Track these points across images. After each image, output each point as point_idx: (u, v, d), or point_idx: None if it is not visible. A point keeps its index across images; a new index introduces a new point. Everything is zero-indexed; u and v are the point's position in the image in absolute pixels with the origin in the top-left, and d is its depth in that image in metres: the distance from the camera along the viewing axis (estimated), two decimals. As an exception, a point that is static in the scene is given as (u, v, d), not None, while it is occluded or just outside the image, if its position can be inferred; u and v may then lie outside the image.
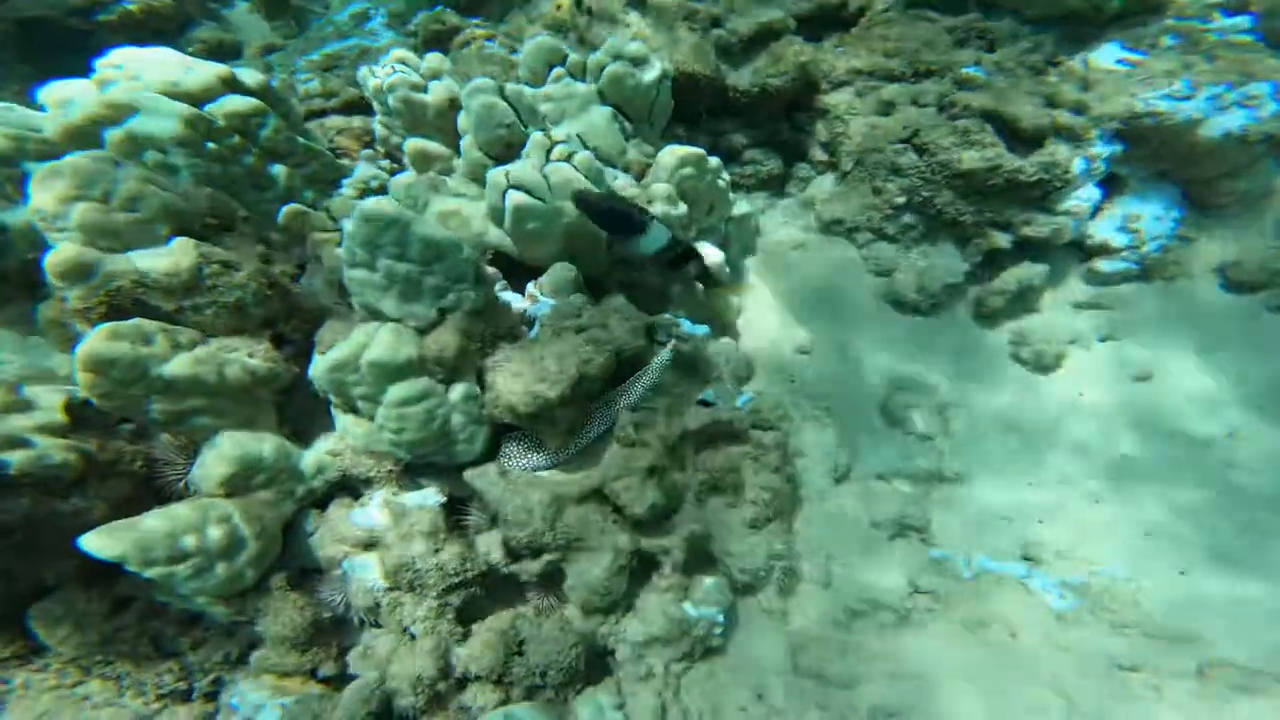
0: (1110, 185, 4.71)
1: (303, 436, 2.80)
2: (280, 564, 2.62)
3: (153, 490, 2.37)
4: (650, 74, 4.02)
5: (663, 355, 3.03)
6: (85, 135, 3.11)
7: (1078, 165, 4.42)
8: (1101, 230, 4.64)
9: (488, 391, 2.82)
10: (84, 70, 3.43)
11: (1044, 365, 4.29)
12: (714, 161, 3.94)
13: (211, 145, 3.12)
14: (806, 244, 4.61)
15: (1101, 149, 4.55)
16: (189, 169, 3.06)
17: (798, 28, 5.18)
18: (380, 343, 2.58)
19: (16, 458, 1.96)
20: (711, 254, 3.88)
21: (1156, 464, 3.85)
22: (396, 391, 2.61)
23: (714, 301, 3.99)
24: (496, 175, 3.30)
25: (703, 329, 3.39)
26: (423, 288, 2.68)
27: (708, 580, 3.01)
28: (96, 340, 2.16)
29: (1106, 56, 4.78)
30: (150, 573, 2.10)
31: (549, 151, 3.39)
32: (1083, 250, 4.69)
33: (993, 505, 3.71)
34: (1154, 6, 4.87)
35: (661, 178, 3.75)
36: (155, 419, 2.31)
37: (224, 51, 7.18)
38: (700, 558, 3.09)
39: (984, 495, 3.76)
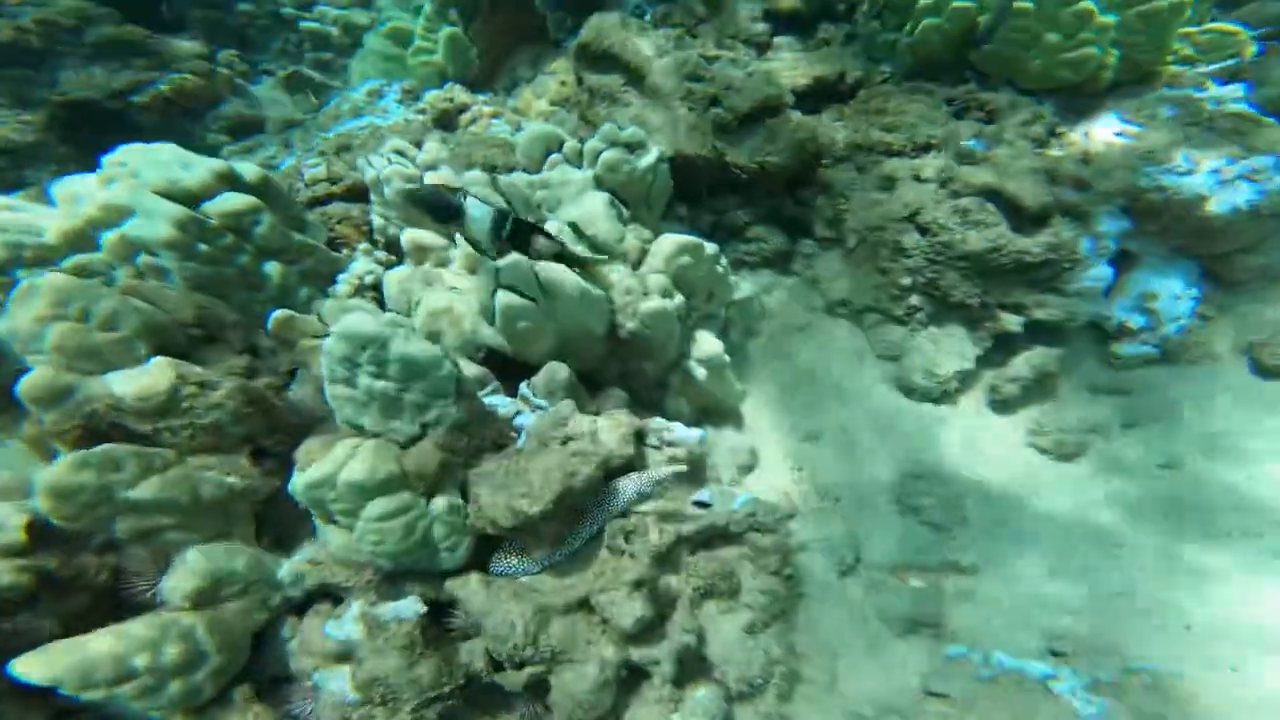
0: (1123, 263, 4.54)
1: (285, 542, 2.69)
2: (252, 670, 2.49)
3: (117, 602, 2.27)
4: (646, 159, 3.98)
5: (665, 471, 2.89)
6: (83, 238, 3.11)
7: (1084, 244, 4.27)
8: (1118, 311, 4.44)
9: (471, 504, 2.70)
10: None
11: (1065, 454, 4.05)
12: (711, 248, 3.85)
13: (203, 247, 3.10)
14: (812, 325, 4.47)
15: (1108, 226, 4.40)
16: (180, 272, 3.03)
17: (796, 102, 5.18)
18: (358, 462, 2.47)
19: None
20: (710, 345, 3.77)
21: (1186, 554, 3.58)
22: (375, 508, 2.49)
23: (715, 388, 3.85)
24: (485, 274, 3.24)
25: (698, 434, 3.25)
26: (403, 404, 2.59)
27: (700, 691, 2.81)
28: (60, 470, 2.09)
29: (1105, 128, 4.65)
30: (88, 696, 1.99)
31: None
32: (1102, 332, 4.50)
33: (1015, 599, 3.44)
34: (1146, 76, 4.77)
35: (657, 267, 3.66)
36: (121, 538, 2.23)
37: (247, 127, 7.37)
38: (694, 666, 2.89)
39: (1004, 588, 3.50)
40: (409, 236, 3.75)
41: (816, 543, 3.46)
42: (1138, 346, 4.33)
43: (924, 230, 4.34)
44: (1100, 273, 4.27)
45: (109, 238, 3.07)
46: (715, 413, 3.99)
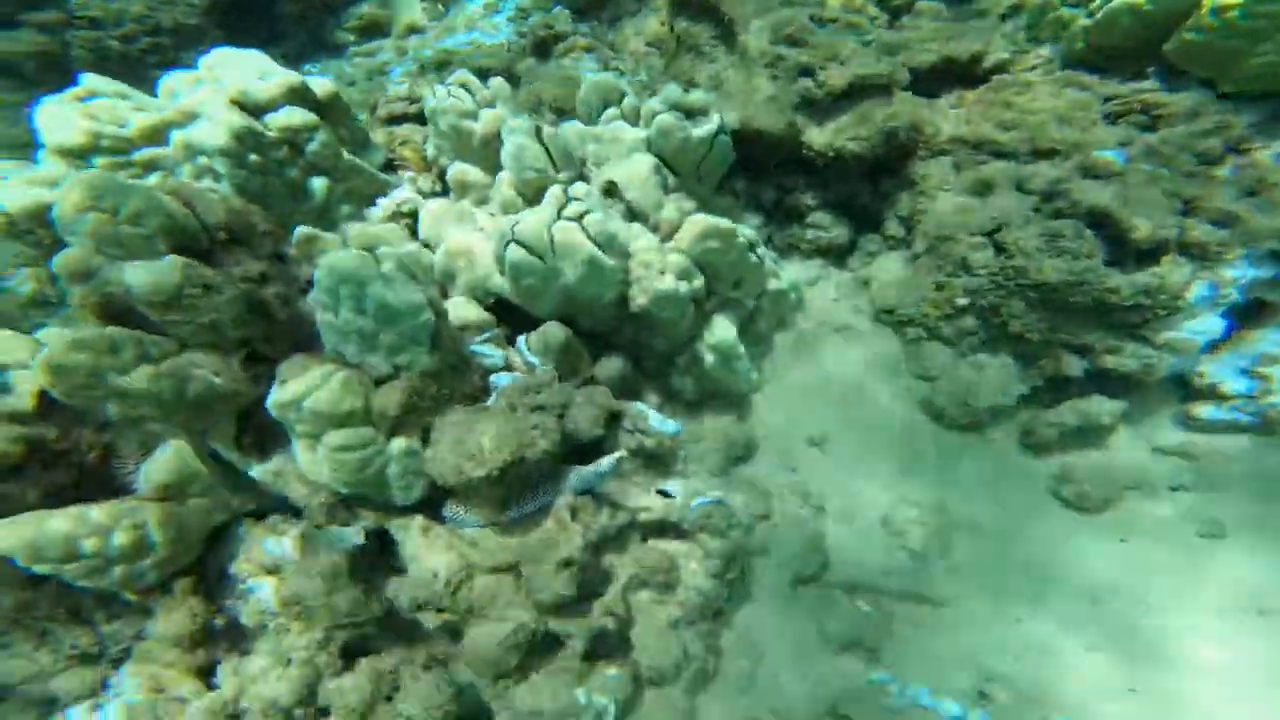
0: (1248, 316, 3.68)
1: (263, 448, 2.79)
2: (206, 563, 2.62)
3: (99, 479, 2.42)
4: (703, 129, 3.58)
5: (606, 462, 2.73)
6: (157, 134, 3.24)
7: (1197, 290, 3.47)
8: (1217, 371, 3.66)
9: (429, 450, 2.67)
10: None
11: (1086, 506, 3.52)
12: (746, 235, 3.47)
13: (254, 157, 3.13)
14: (851, 329, 4.02)
15: (1242, 272, 3.55)
16: (230, 178, 3.10)
17: (914, 82, 4.43)
18: (325, 392, 2.48)
19: None
20: (724, 331, 3.46)
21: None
22: (335, 438, 2.51)
23: (722, 375, 3.58)
24: (504, 224, 3.08)
25: (673, 427, 3.03)
26: (378, 343, 2.55)
27: (611, 670, 2.76)
28: (58, 349, 2.21)
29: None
30: (38, 569, 2.14)
31: (562, 207, 3.10)
32: (1187, 389, 3.74)
33: (968, 637, 3.18)
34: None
35: (682, 246, 3.34)
36: (110, 420, 2.38)
37: (376, 28, 7.39)
38: (612, 647, 2.83)
39: (961, 625, 3.22)
40: (454, 171, 3.64)
41: (781, 549, 3.23)
42: (1226, 413, 3.57)
43: (1000, 249, 3.70)
44: (1207, 325, 3.51)
45: (175, 137, 3.17)
46: (721, 399, 3.72)
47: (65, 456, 2.35)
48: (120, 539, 2.23)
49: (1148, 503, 3.55)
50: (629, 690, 2.78)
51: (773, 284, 3.79)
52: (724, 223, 3.32)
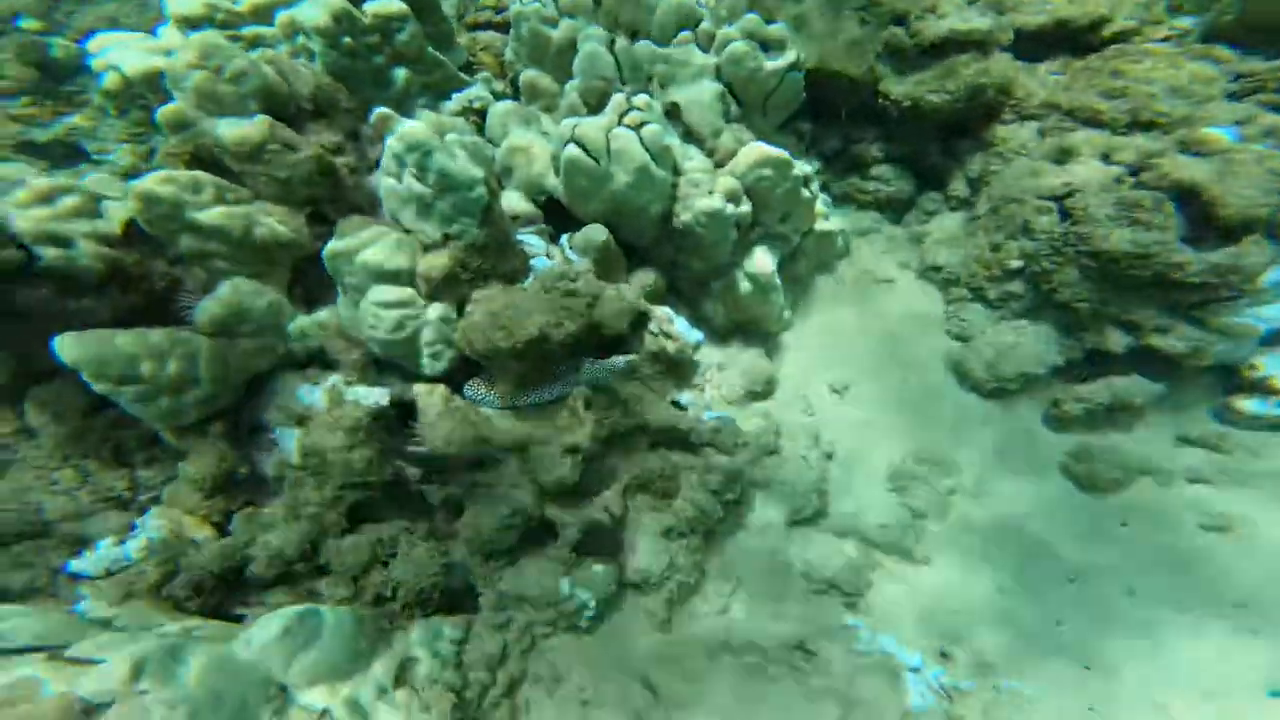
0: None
1: (310, 303, 2.98)
2: (241, 411, 2.83)
3: (163, 310, 2.64)
4: (776, 62, 3.54)
5: (620, 360, 2.80)
6: (265, 12, 3.49)
7: (1272, 275, 3.20)
8: (1273, 363, 3.39)
9: (462, 320, 2.83)
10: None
11: (1096, 485, 3.37)
12: (801, 169, 3.43)
13: (347, 40, 3.33)
14: (895, 282, 3.92)
15: None
16: (322, 56, 3.31)
17: (1018, 43, 4.17)
18: (378, 248, 2.67)
19: (50, 253, 2.35)
20: (763, 262, 3.46)
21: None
22: (379, 293, 2.70)
23: (755, 306, 3.59)
24: (565, 126, 3.17)
25: (697, 336, 3.08)
26: (434, 210, 2.70)
27: (598, 567, 2.85)
28: (151, 180, 2.48)
29: None
30: (98, 387, 2.35)
31: (623, 115, 3.16)
32: (1233, 379, 3.48)
33: (944, 599, 3.13)
34: None
35: (735, 171, 3.35)
36: (182, 254, 2.65)
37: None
38: (605, 544, 2.94)
39: (941, 586, 3.17)
40: (527, 76, 3.75)
41: (781, 486, 3.25)
42: (1274, 408, 3.31)
43: (1066, 215, 3.50)
44: (1274, 313, 3.23)
45: (281, 16, 3.42)
46: (751, 331, 3.73)
47: (139, 283, 2.59)
48: (172, 367, 2.46)
49: (1159, 490, 3.36)
50: (612, 589, 2.87)
51: (821, 225, 3.73)
52: (781, 152, 3.29)
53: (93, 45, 3.40)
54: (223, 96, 2.72)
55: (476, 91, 3.70)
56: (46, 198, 2.41)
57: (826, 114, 4.21)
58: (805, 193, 3.48)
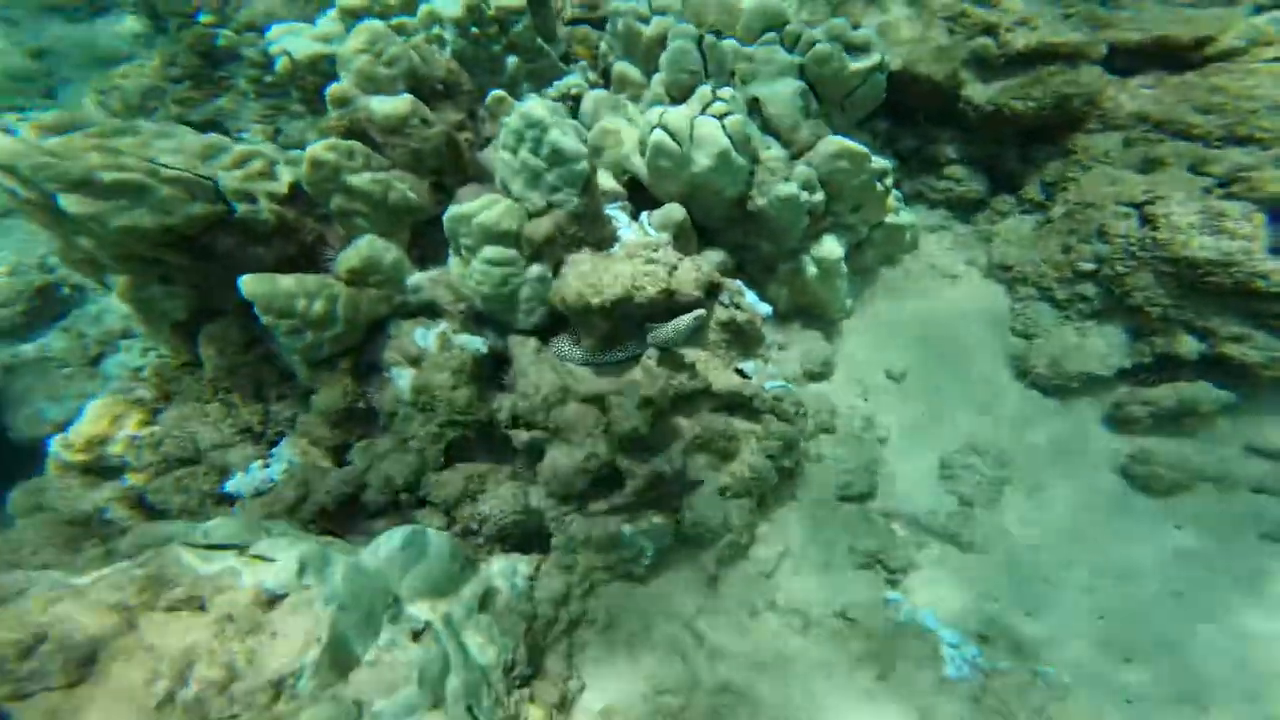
0: None
1: (428, 261, 3.40)
2: (363, 351, 3.22)
3: (311, 258, 3.11)
4: (862, 62, 3.72)
5: (687, 319, 2.98)
6: (412, 2, 3.98)
7: None
8: None
9: (557, 280, 3.18)
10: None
11: (1151, 488, 3.38)
12: (879, 163, 3.60)
13: (474, 30, 3.77)
14: (959, 279, 4.02)
15: None
16: (453, 44, 3.76)
17: (1110, 58, 4.16)
18: (491, 212, 3.05)
19: (242, 207, 2.85)
20: (831, 249, 3.65)
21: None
22: (488, 252, 3.09)
23: (820, 290, 3.78)
24: (652, 113, 3.48)
25: (765, 309, 3.31)
26: (542, 181, 3.06)
27: (657, 518, 3.10)
28: (319, 146, 2.95)
29: None
30: (265, 319, 2.81)
31: (707, 105, 3.44)
32: None
33: (987, 586, 3.23)
34: None
35: (813, 160, 3.56)
36: (331, 211, 3.12)
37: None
38: (665, 498, 3.15)
39: (985, 573, 3.26)
40: (618, 68, 4.09)
41: (835, 461, 3.43)
42: None
43: (1147, 220, 3.52)
44: None
45: (423, 9, 3.89)
46: (812, 316, 3.93)
47: (296, 234, 3.07)
48: (318, 306, 2.92)
49: (1220, 496, 3.35)
50: (668, 541, 3.11)
51: (891, 218, 3.89)
52: (858, 146, 3.49)
53: (271, 34, 3.96)
54: (379, 77, 3.18)
55: (574, 80, 4.07)
56: (242, 162, 2.91)
57: (904, 115, 4.34)
58: (879, 186, 3.65)
